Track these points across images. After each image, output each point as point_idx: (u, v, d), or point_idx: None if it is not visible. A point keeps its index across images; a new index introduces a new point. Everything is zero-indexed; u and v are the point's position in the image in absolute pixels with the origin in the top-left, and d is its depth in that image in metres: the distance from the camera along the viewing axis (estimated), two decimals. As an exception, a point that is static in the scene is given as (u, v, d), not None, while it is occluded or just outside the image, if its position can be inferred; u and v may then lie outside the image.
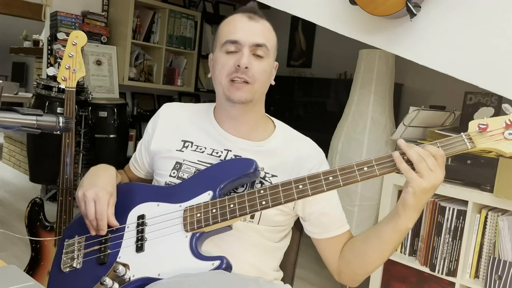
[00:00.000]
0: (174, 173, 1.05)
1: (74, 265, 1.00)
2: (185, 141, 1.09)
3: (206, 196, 0.97)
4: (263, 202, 0.92)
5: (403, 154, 0.87)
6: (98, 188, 1.00)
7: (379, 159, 0.89)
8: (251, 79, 1.00)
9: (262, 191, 0.93)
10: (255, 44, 1.00)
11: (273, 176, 1.03)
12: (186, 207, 0.97)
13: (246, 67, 0.99)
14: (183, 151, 1.07)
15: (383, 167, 0.88)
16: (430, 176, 0.85)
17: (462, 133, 0.89)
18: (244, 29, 1.01)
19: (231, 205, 0.93)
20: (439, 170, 0.85)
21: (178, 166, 1.06)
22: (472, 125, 0.89)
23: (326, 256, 1.07)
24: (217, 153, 1.06)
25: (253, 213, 0.94)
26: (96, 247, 1.00)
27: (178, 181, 1.04)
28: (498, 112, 2.26)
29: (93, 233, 1.00)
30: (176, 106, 1.19)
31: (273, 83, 1.10)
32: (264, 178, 1.02)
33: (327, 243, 1.06)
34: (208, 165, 1.03)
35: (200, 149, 1.07)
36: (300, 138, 1.12)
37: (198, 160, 1.05)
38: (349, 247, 1.04)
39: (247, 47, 1.00)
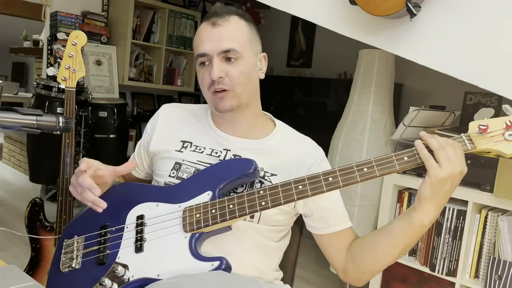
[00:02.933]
0: (173, 173, 1.05)
1: (73, 265, 1.00)
2: (184, 141, 1.09)
3: (206, 197, 0.97)
4: (263, 203, 0.92)
5: (424, 143, 0.87)
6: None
7: (379, 160, 0.88)
8: (228, 86, 1.00)
9: (261, 192, 0.93)
10: (222, 51, 0.99)
11: (272, 175, 1.02)
12: (186, 207, 0.97)
13: (221, 77, 0.99)
14: (182, 152, 1.07)
15: (383, 168, 0.88)
16: (449, 166, 0.83)
17: (462, 134, 0.89)
18: (208, 39, 1.00)
19: (231, 206, 0.93)
20: (458, 161, 0.84)
21: (177, 166, 1.06)
22: (472, 126, 0.88)
23: (330, 253, 1.06)
24: (216, 153, 1.06)
25: (252, 213, 0.94)
26: (95, 247, 1.00)
27: (177, 181, 1.04)
28: (498, 112, 2.26)
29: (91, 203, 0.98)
30: (175, 106, 1.19)
31: (262, 77, 1.09)
32: (263, 177, 1.02)
33: (330, 239, 1.05)
34: (208, 165, 1.03)
35: (200, 149, 1.07)
36: (300, 137, 1.12)
37: (198, 160, 1.05)
38: (358, 243, 1.02)
39: (215, 57, 0.99)
